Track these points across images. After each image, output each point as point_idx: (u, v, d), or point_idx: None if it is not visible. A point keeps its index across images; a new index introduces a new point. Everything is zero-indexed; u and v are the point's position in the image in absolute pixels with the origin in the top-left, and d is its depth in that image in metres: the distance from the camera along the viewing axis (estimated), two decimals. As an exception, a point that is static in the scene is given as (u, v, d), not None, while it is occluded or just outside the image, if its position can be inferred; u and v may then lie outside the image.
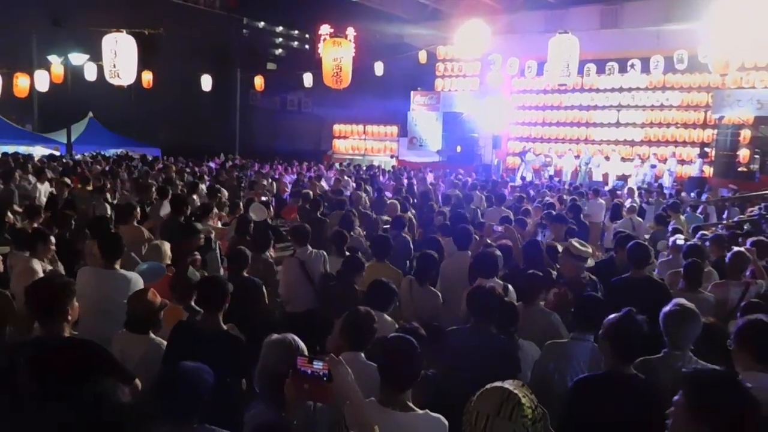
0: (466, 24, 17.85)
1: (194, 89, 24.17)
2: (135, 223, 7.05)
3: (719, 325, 4.39)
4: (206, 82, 23.73)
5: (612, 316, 3.21)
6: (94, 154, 22.72)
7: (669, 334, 3.45)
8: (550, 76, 11.35)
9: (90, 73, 20.44)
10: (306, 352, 2.64)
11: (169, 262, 5.37)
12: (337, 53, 10.57)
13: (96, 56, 16.12)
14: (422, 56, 23.16)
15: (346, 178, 16.22)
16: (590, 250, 5.80)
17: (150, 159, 21.32)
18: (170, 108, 32.49)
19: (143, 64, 11.19)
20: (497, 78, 24.77)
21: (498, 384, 2.24)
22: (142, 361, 3.53)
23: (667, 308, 3.50)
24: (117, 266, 4.54)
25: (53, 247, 5.41)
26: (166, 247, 5.41)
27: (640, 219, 10.72)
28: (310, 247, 5.95)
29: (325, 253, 5.93)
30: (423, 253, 5.59)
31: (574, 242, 5.62)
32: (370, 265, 5.78)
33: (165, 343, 3.67)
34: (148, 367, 3.41)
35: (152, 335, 3.75)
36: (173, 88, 28.03)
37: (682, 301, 3.58)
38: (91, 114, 26.74)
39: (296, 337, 2.76)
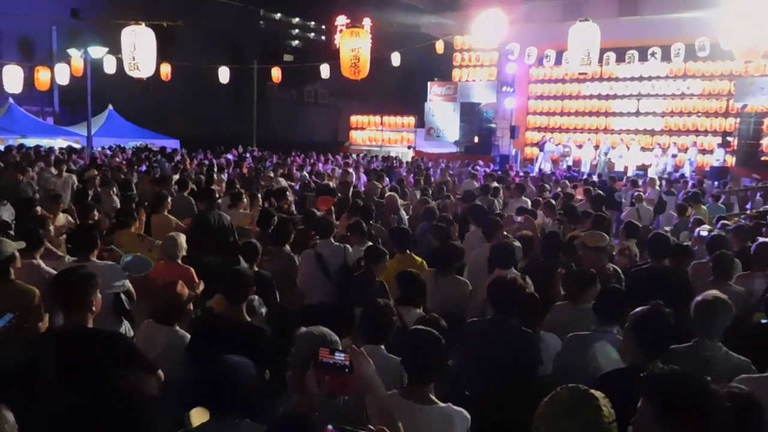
0: (483, 13, 17.66)
1: (212, 81, 24.23)
2: (165, 213, 7.19)
3: (745, 316, 4.34)
4: (223, 74, 23.80)
5: (638, 309, 3.16)
6: (114, 146, 22.94)
7: (699, 323, 3.44)
8: (570, 65, 11.20)
9: (109, 66, 20.58)
10: (340, 345, 2.65)
11: (184, 253, 5.40)
12: (354, 43, 10.51)
13: (115, 49, 16.21)
14: (439, 46, 22.97)
15: (350, 170, 16.10)
16: (606, 241, 5.77)
17: (169, 151, 21.47)
18: (188, 100, 32.63)
19: (161, 56, 11.21)
20: (515, 68, 24.57)
21: (578, 385, 2.11)
22: (164, 352, 3.56)
23: (699, 298, 3.49)
24: (93, 258, 4.57)
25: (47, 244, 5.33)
26: (182, 239, 5.42)
27: (649, 208, 10.62)
28: (332, 240, 5.94)
29: (348, 246, 5.90)
30: (445, 243, 5.56)
31: (587, 235, 5.62)
32: (395, 258, 5.77)
33: (188, 336, 3.70)
34: (170, 359, 3.44)
35: (177, 327, 3.78)
36: (191, 80, 28.11)
37: (714, 291, 3.56)
38: (110, 106, 26.97)
39: (330, 330, 2.77)
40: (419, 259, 5.77)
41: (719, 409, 1.93)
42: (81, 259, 4.56)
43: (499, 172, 17.61)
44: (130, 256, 5.10)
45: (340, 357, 2.33)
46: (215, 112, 33.78)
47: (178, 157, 18.52)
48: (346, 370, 2.32)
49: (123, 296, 4.43)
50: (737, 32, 12.73)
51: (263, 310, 4.34)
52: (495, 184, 11.51)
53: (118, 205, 8.71)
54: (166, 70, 21.43)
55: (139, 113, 28.06)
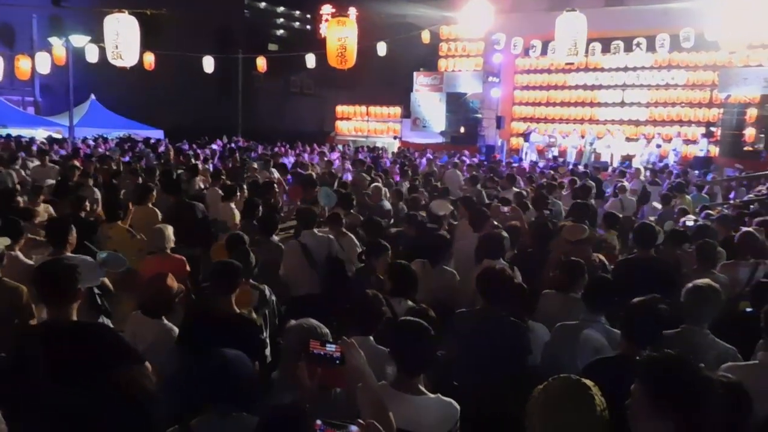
0: (470, 2, 17.61)
1: (196, 71, 24.01)
2: (150, 205, 7.08)
3: (730, 305, 4.40)
4: (208, 64, 23.57)
5: (634, 300, 3.18)
6: (96, 137, 22.69)
7: (688, 310, 3.49)
8: (557, 55, 11.20)
9: (91, 55, 20.30)
10: (330, 338, 2.63)
11: (172, 245, 5.36)
12: (341, 33, 10.41)
13: (97, 38, 15.99)
14: (425, 36, 22.88)
15: (333, 159, 16.16)
16: (586, 232, 5.83)
17: (153, 141, 21.29)
18: (172, 90, 32.36)
19: (144, 45, 11.02)
20: (501, 58, 24.56)
21: (570, 375, 2.14)
22: (152, 345, 3.54)
23: (690, 285, 3.54)
24: (68, 252, 4.54)
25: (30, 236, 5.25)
26: (170, 231, 5.37)
27: (632, 198, 10.69)
28: (316, 231, 5.87)
29: (332, 237, 5.85)
30: (434, 234, 5.53)
31: (567, 230, 5.68)
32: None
33: (176, 329, 3.68)
34: (158, 352, 3.42)
35: (165, 320, 3.75)
36: (175, 70, 27.83)
37: (706, 279, 3.63)
38: (93, 96, 26.66)
39: (319, 323, 2.75)
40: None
41: (712, 395, 1.96)
42: (56, 251, 4.50)
43: (486, 163, 17.65)
44: (105, 252, 5.02)
45: (331, 348, 2.32)
46: (200, 102, 33.55)
47: (162, 148, 18.37)
48: (338, 361, 2.31)
49: (96, 290, 4.38)
50: (722, 23, 12.84)
51: (273, 298, 4.33)
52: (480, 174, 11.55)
53: (99, 197, 8.58)
54: (149, 59, 21.14)
55: (122, 103, 27.77)
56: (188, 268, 5.13)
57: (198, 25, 34.70)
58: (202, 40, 31.96)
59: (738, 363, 3.12)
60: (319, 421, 1.95)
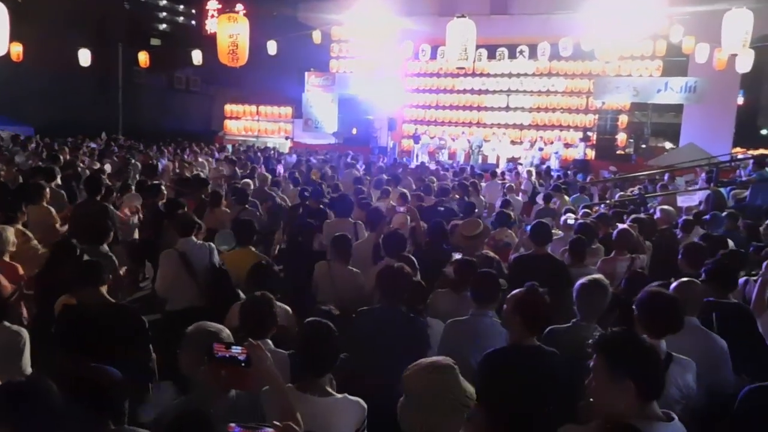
0: (360, 5, 17.76)
1: (72, 64, 22.48)
2: (44, 204, 6.65)
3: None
4: (84, 57, 22.16)
5: (516, 290, 3.30)
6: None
7: (579, 306, 3.64)
8: (449, 60, 11.48)
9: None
10: (232, 339, 2.52)
11: (13, 249, 4.90)
12: (232, 29, 10.12)
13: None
14: (316, 36, 22.77)
15: (201, 159, 15.91)
16: (480, 228, 6.01)
17: (22, 138, 19.72)
18: (44, 84, 30.09)
19: (13, 35, 10.08)
20: (391, 60, 24.93)
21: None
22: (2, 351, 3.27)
23: (580, 281, 3.67)
24: None
25: None
26: (9, 233, 4.91)
27: (518, 198, 11.26)
28: (194, 238, 5.42)
29: (212, 245, 5.46)
30: (338, 234, 5.43)
31: (463, 225, 5.84)
32: (232, 251, 5.52)
33: (23, 330, 3.42)
34: (7, 358, 3.21)
35: (7, 323, 3.44)
36: (47, 62, 25.93)
37: (598, 276, 3.80)
38: (-53, 89, 24.44)
39: (221, 326, 2.62)
40: (261, 256, 5.50)
41: (656, 358, 2.33)
42: None
43: (382, 164, 17.83)
44: None
45: (236, 350, 2.24)
46: (76, 98, 31.43)
47: (33, 145, 17.12)
48: (243, 363, 2.23)
49: None
50: (597, 34, 13.74)
51: None
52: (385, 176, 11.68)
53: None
54: (17, 49, 19.56)
55: (-18, 97, 25.57)
56: (21, 272, 4.71)
57: (73, 16, 32.52)
58: (77, 31, 29.94)
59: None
60: (232, 424, 1.87)
